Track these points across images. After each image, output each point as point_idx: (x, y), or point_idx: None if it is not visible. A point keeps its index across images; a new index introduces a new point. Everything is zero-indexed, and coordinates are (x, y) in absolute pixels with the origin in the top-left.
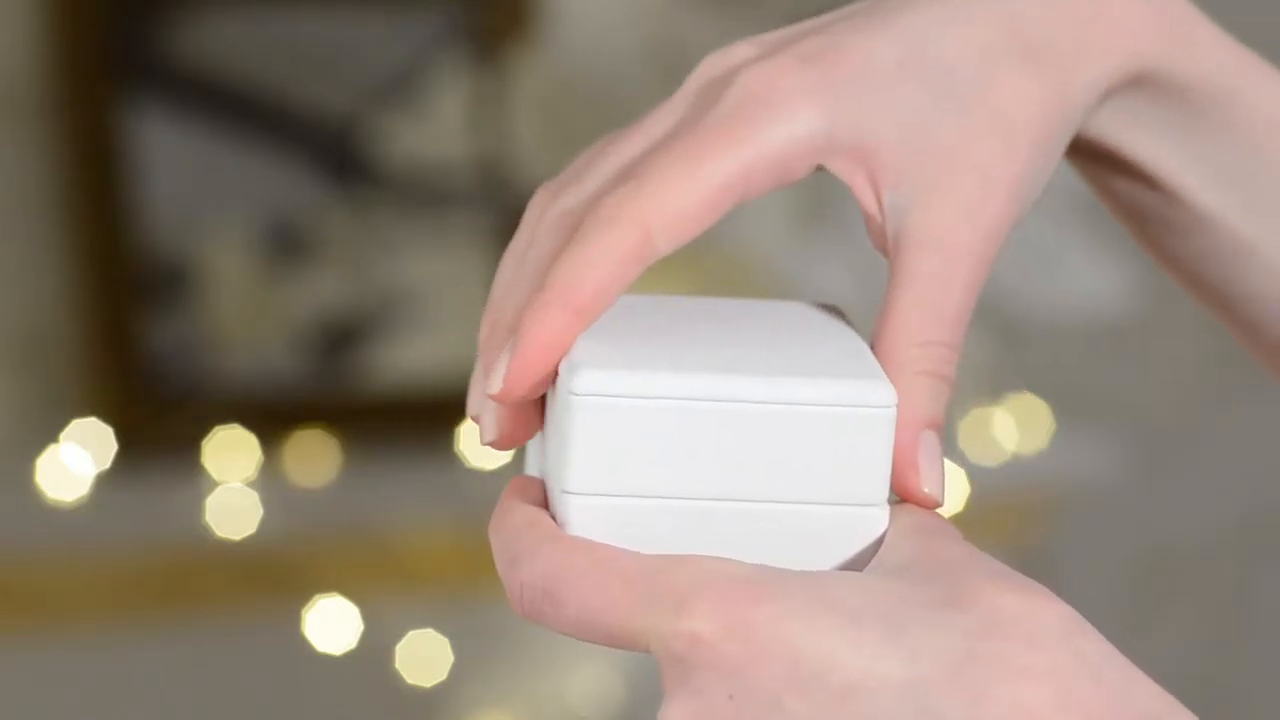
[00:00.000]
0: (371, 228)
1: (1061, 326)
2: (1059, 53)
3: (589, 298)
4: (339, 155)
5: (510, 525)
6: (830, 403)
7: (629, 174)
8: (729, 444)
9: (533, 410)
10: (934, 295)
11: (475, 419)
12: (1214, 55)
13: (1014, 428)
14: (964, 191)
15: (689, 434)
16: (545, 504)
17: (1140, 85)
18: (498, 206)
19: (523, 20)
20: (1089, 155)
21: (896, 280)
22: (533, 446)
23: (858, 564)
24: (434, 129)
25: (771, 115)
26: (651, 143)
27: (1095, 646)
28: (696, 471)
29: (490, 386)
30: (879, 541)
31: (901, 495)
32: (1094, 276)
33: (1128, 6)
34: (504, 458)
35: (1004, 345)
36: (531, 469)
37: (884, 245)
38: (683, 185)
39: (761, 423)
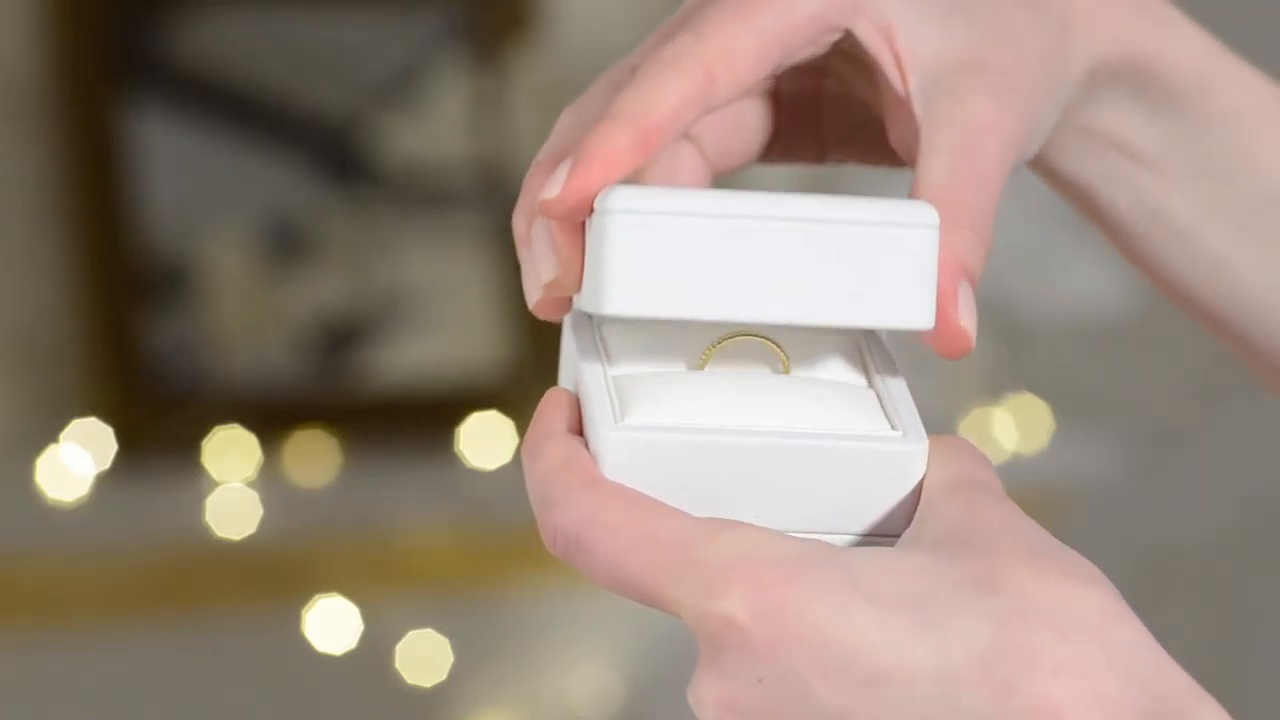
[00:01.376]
0: (371, 228)
1: (1061, 326)
2: (1052, 7)
3: (653, 127)
4: (339, 155)
5: (545, 462)
6: (874, 221)
7: (682, 27)
8: (769, 263)
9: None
10: (966, 164)
11: (537, 305)
12: (1191, 44)
13: (1014, 428)
14: (990, 86)
15: (727, 251)
16: (580, 426)
17: (1123, 73)
18: (498, 206)
19: (523, 20)
20: (1078, 143)
21: (926, 155)
22: (565, 358)
23: (898, 515)
24: (434, 129)
25: None
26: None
27: (1129, 636)
28: (735, 293)
29: (546, 193)
30: (919, 488)
31: (936, 328)
32: (1094, 277)
33: None
34: (504, 457)
35: (1004, 345)
36: (565, 382)
37: (902, 138)
38: (739, 34)
39: (803, 241)
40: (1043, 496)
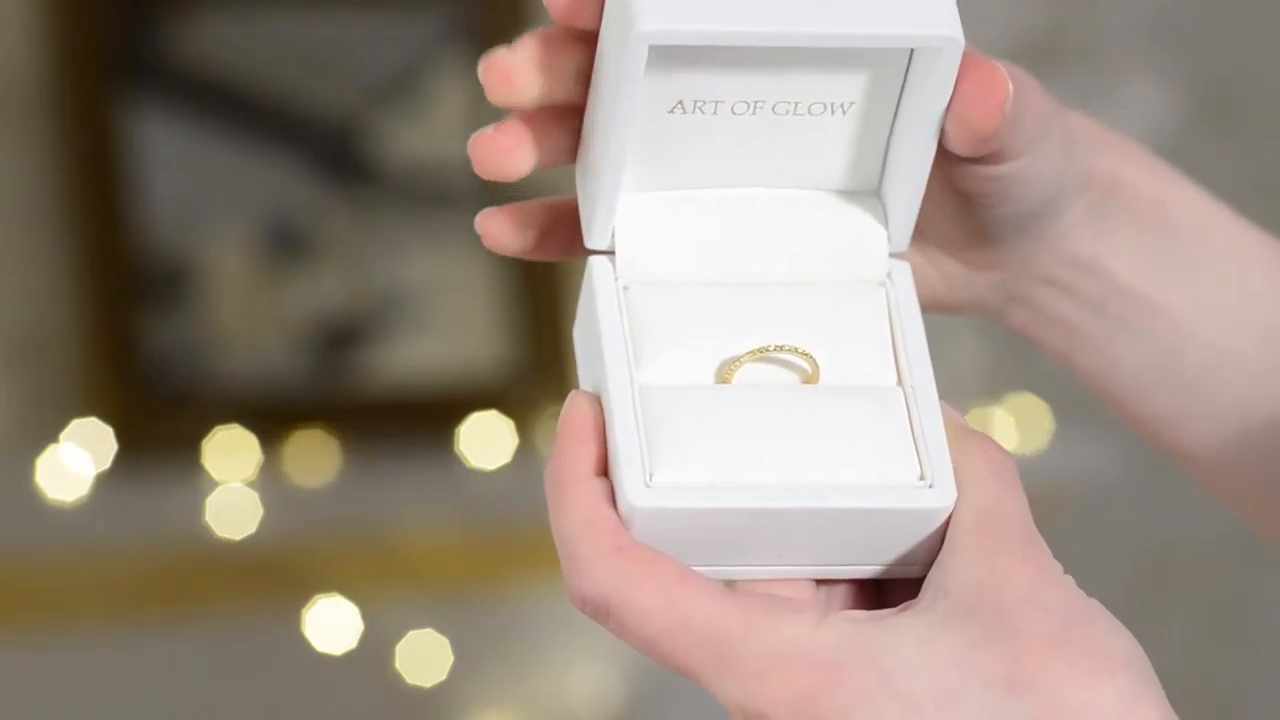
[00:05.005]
0: (371, 228)
1: None
2: (1064, 116)
3: None
4: (339, 155)
5: (570, 515)
6: None
7: None
8: None
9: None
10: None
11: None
12: (1182, 183)
13: (1014, 428)
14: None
15: None
16: (604, 454)
17: (1114, 194)
18: (498, 207)
19: (523, 20)
20: (1083, 286)
21: None
22: (584, 342)
23: (921, 551)
24: (434, 129)
25: None
26: None
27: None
28: (767, 9)
29: None
30: (945, 525)
31: (969, 67)
32: None
33: (1089, 122)
34: (504, 457)
35: (1004, 345)
36: (586, 378)
37: None
38: None
39: None
40: (1043, 496)
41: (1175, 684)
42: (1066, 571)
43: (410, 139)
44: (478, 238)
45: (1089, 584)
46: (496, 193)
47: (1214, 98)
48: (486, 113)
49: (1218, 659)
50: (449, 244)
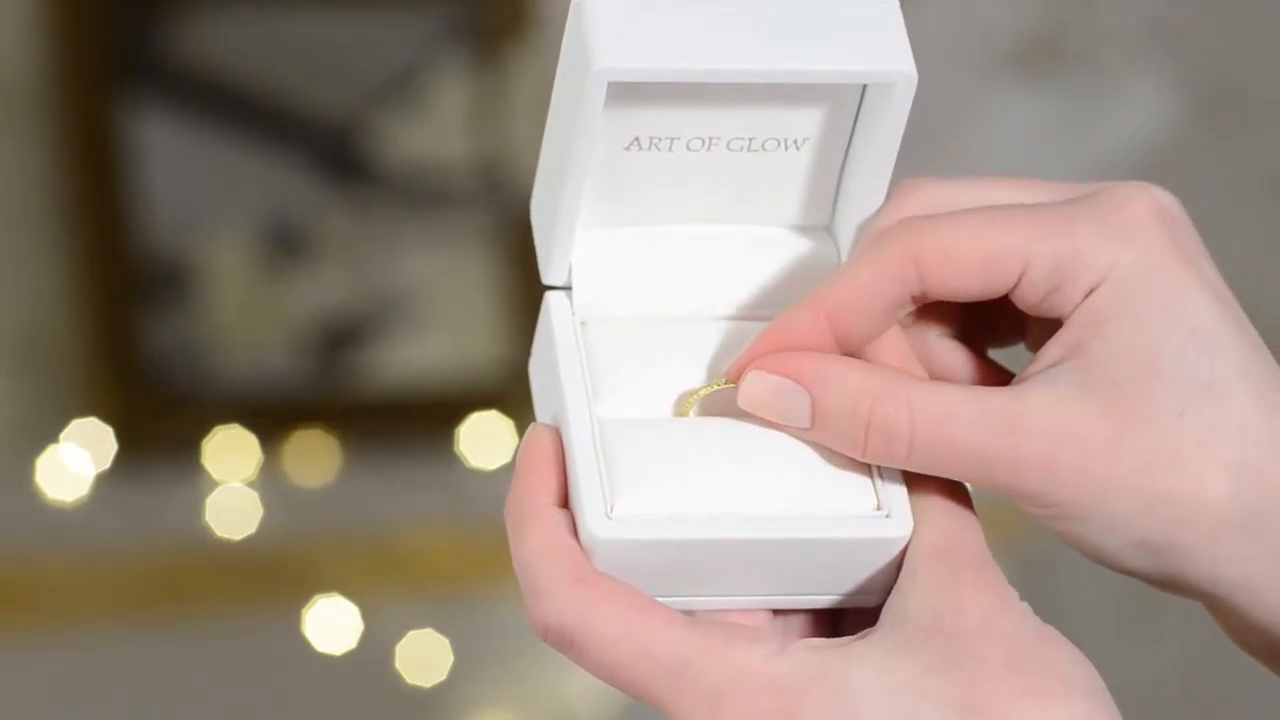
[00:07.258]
0: (371, 228)
1: None
2: None
3: (837, 303)
4: (339, 155)
5: (531, 545)
6: None
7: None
8: (748, 25)
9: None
10: None
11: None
12: None
13: None
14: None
15: (709, 16)
16: (564, 486)
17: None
18: (498, 206)
19: (523, 20)
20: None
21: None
22: (542, 378)
23: (878, 580)
24: (434, 129)
25: None
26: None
27: None
28: (720, 48)
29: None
30: (901, 554)
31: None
32: None
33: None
34: (504, 457)
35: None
36: (543, 410)
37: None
38: (965, 230)
39: (776, 8)
40: None
41: (1174, 686)
42: (1062, 573)
43: (410, 139)
44: (478, 237)
45: (1088, 587)
46: (497, 193)
47: (1214, 98)
48: (486, 113)
49: (1217, 661)
50: (449, 244)
